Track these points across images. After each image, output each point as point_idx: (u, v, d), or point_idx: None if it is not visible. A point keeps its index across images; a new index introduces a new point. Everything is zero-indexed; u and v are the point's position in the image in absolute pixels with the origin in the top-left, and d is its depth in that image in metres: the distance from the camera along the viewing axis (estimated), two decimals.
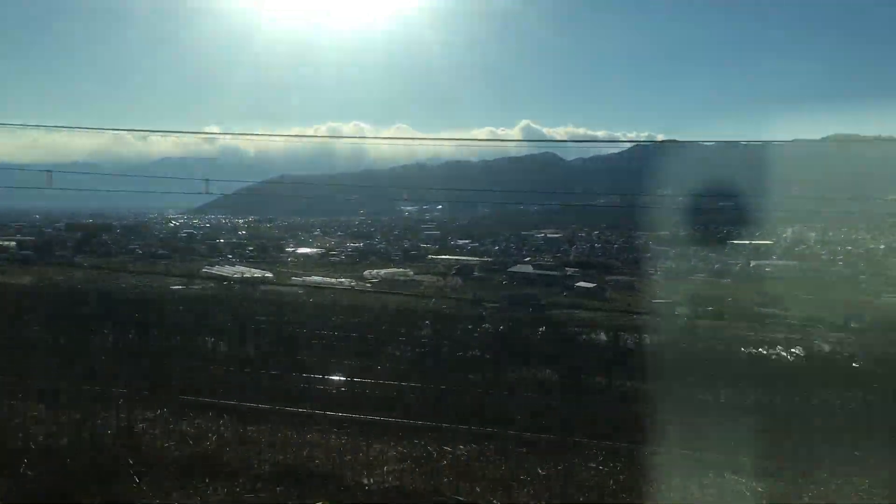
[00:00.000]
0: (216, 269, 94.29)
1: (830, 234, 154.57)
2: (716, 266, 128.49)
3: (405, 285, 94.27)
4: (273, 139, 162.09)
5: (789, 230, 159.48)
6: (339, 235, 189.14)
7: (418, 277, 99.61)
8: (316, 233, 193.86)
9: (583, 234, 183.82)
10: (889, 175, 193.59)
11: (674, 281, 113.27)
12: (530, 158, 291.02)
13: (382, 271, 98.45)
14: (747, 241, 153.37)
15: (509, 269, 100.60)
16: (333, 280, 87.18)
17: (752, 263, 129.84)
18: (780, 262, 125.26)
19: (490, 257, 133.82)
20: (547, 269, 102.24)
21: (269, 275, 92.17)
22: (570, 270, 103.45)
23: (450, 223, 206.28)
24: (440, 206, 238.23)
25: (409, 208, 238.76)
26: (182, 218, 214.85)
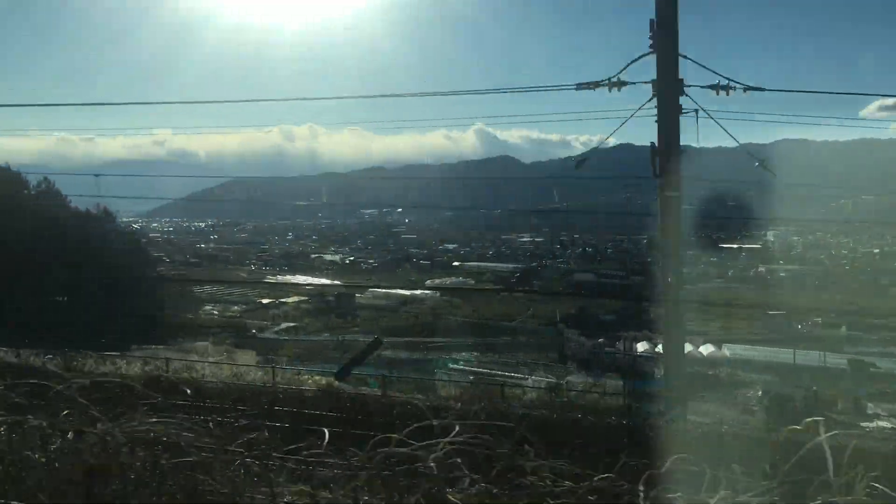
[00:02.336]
0: (286, 278, 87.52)
1: (810, 237, 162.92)
2: (730, 272, 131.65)
3: (463, 294, 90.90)
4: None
5: (770, 234, 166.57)
6: (314, 240, 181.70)
7: (480, 286, 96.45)
8: (289, 237, 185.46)
9: (565, 238, 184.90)
10: (844, 178, 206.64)
11: (709, 287, 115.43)
12: (488, 162, 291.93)
13: (447, 280, 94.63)
14: (737, 245, 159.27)
15: (574, 278, 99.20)
16: (419, 290, 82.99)
17: (761, 268, 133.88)
18: (790, 267, 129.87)
19: (507, 263, 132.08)
20: (610, 277, 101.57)
21: (338, 282, 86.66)
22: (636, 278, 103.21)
23: (425, 228, 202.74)
24: (399, 210, 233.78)
25: (369, 211, 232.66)
26: (139, 222, 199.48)
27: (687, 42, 13.29)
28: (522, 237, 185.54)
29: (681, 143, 13.82)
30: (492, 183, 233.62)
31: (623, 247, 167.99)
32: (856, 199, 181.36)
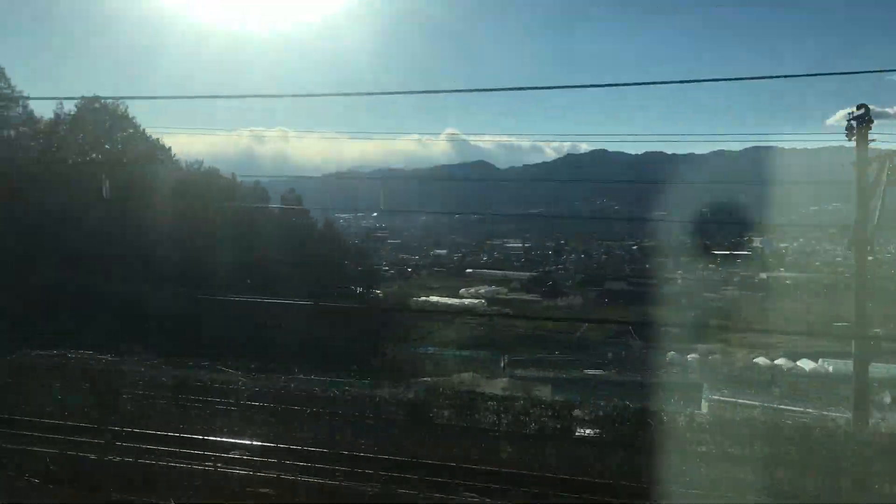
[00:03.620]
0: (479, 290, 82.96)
1: (795, 244, 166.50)
2: (735, 279, 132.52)
3: (519, 304, 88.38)
4: None
5: (757, 240, 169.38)
6: None
7: (514, 296, 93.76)
8: None
9: (552, 244, 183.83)
10: (812, 185, 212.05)
11: (724, 297, 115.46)
12: (463, 167, 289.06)
13: (482, 289, 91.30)
14: (728, 252, 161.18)
15: (606, 286, 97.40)
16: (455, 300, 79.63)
17: (763, 275, 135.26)
18: (793, 275, 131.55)
19: (503, 270, 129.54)
20: (641, 285, 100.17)
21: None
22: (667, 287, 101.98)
23: (402, 233, 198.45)
24: (375, 214, 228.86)
25: (343, 215, 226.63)
26: None
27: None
28: (508, 242, 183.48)
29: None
30: (462, 187, 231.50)
31: (615, 252, 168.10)
32: (822, 207, 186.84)
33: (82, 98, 42.57)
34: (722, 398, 32.94)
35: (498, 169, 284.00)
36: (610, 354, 64.88)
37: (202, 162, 55.14)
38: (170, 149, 51.18)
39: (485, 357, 56.89)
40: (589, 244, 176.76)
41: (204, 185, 50.90)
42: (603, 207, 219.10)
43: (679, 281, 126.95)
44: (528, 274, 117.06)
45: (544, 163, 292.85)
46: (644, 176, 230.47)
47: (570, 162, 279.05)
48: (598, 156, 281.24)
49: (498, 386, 28.72)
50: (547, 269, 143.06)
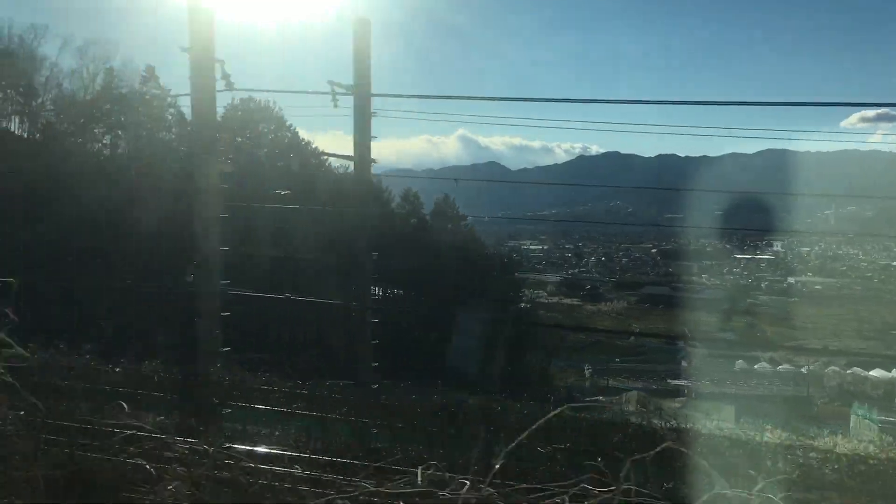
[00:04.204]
0: None
1: (816, 248, 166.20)
2: (763, 283, 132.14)
3: (563, 308, 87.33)
4: None
5: (777, 244, 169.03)
6: None
7: (554, 299, 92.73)
8: None
9: (570, 246, 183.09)
10: (827, 188, 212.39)
11: (757, 302, 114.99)
12: (475, 168, 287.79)
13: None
14: (751, 256, 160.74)
15: (644, 291, 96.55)
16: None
17: (790, 280, 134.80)
18: (823, 280, 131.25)
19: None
20: (684, 291, 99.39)
21: None
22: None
23: None
24: None
25: None
26: None
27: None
28: (524, 244, 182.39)
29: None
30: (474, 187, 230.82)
31: (634, 256, 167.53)
32: (839, 210, 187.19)
33: (235, 95, 40.28)
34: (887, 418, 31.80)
35: (510, 170, 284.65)
36: (683, 363, 63.90)
37: (347, 166, 52.59)
38: (323, 154, 49.05)
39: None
40: (608, 247, 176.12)
41: (358, 191, 48.34)
42: (617, 209, 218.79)
43: (709, 285, 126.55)
44: (555, 277, 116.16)
45: (556, 164, 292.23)
46: (658, 178, 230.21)
47: (582, 164, 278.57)
48: (611, 158, 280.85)
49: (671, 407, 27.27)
50: (570, 271, 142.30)
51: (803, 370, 62.11)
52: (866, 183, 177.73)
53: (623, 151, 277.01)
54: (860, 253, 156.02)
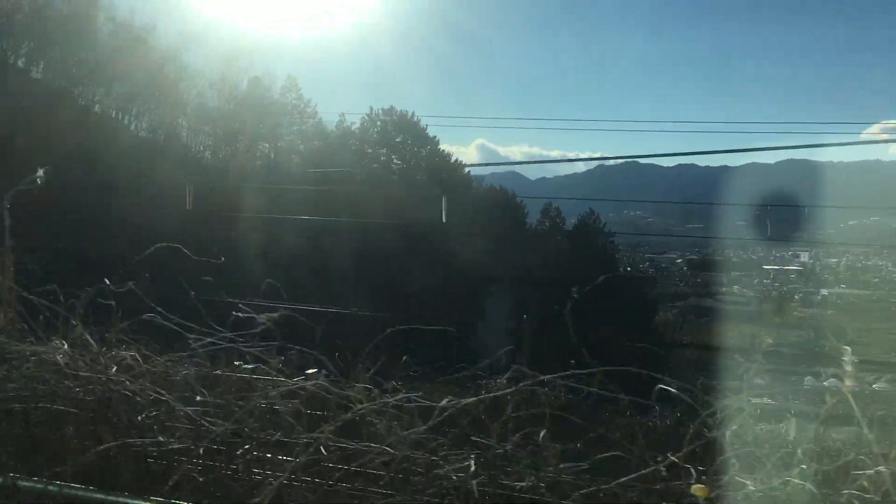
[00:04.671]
0: None
1: (843, 259, 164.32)
2: (797, 295, 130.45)
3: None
4: None
5: (803, 255, 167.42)
6: None
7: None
8: None
9: None
10: (848, 199, 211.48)
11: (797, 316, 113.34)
12: (494, 177, 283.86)
13: None
14: (779, 267, 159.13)
15: (689, 303, 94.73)
16: None
17: (824, 292, 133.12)
18: (858, 292, 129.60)
19: None
20: (731, 303, 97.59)
21: None
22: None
23: None
24: None
25: None
26: None
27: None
28: None
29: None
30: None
31: (661, 266, 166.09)
32: (861, 221, 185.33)
33: (375, 109, 38.39)
34: None
35: (529, 180, 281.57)
36: (758, 380, 62.00)
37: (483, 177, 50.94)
38: (465, 167, 47.43)
39: None
40: (631, 257, 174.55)
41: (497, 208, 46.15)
42: (635, 219, 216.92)
43: (745, 296, 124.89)
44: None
45: (575, 174, 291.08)
46: (678, 189, 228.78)
47: (601, 174, 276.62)
48: (630, 168, 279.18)
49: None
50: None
51: (874, 387, 60.30)
52: (890, 193, 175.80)
53: (642, 162, 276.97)
54: (890, 264, 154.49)
